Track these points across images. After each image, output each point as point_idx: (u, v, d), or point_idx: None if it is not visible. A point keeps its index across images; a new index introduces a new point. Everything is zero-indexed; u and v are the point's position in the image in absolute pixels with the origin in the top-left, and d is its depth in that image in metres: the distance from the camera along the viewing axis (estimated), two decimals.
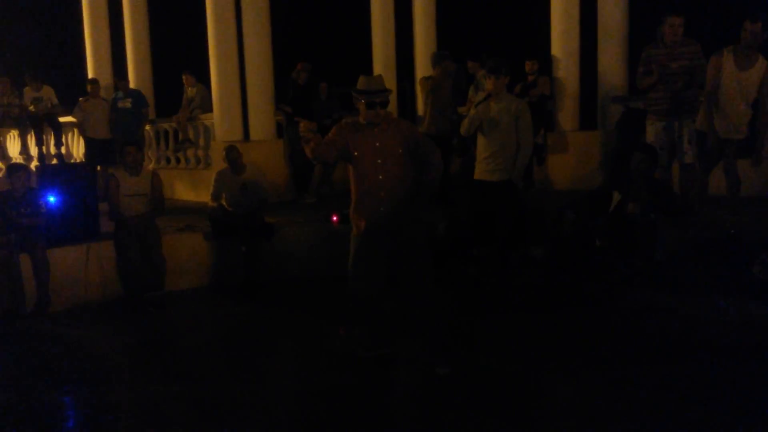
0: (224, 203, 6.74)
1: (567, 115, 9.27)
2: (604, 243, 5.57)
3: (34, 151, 10.90)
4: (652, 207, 5.48)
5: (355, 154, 4.26)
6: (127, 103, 9.56)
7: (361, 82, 4.28)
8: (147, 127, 10.34)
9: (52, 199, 6.11)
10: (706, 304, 5.11)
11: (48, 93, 10.44)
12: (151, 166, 9.97)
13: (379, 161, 4.23)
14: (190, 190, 9.78)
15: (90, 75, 11.23)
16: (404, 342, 4.63)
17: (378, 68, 10.98)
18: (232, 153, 6.79)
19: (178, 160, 10.40)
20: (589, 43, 9.12)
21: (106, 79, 11.12)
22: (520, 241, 5.89)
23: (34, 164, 10.29)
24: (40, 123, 10.47)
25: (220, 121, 9.03)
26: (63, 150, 10.92)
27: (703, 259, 5.47)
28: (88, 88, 9.89)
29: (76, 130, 11.14)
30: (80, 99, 9.87)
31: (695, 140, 5.94)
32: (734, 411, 3.59)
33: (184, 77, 10.33)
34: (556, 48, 9.23)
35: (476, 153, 5.69)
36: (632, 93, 8.89)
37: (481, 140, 5.58)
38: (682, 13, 5.92)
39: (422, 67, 10.19)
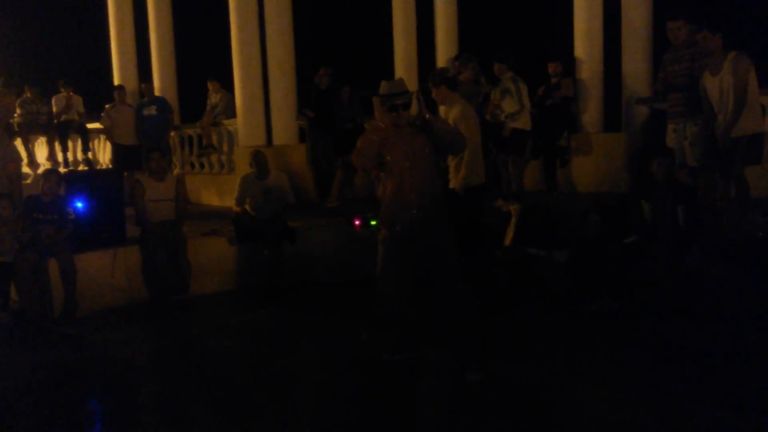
0: (248, 208, 6.79)
1: (591, 116, 9.18)
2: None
3: (60, 157, 11.08)
4: (677, 216, 5.41)
5: (388, 158, 4.24)
6: (153, 110, 9.67)
7: (383, 86, 4.28)
8: (172, 133, 10.45)
9: (79, 204, 6.20)
10: (733, 308, 5.03)
11: (77, 102, 10.61)
12: (176, 172, 10.09)
13: (409, 164, 4.22)
14: (214, 195, 9.87)
15: (116, 81, 11.39)
16: (431, 346, 4.59)
17: (400, 72, 10.97)
18: (259, 157, 6.84)
19: (202, 166, 10.50)
20: (613, 45, 9.03)
21: (132, 85, 11.27)
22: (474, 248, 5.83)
23: (61, 170, 10.46)
24: (66, 130, 10.64)
25: (244, 126, 9.11)
26: (90, 156, 11.08)
27: (734, 262, 5.38)
28: (115, 94, 10.03)
29: (102, 137, 11.30)
30: (107, 106, 10.02)
31: (698, 142, 5.89)
32: None
33: (209, 84, 10.43)
34: (580, 49, 9.15)
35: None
36: (657, 94, 8.79)
37: None
38: (679, 17, 6.04)
39: None
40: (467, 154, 5.34)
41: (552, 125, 8.73)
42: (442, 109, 5.76)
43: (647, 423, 3.58)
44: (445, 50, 10.54)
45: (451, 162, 5.66)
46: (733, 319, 4.94)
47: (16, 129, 10.14)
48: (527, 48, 10.43)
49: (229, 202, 7.32)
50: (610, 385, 4.06)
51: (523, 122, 7.85)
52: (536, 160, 9.13)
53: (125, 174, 8.36)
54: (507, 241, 6.29)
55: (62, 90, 10.44)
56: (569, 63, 9.09)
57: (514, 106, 7.78)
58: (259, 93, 9.08)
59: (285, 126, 9.11)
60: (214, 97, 10.39)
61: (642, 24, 8.77)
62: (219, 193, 9.68)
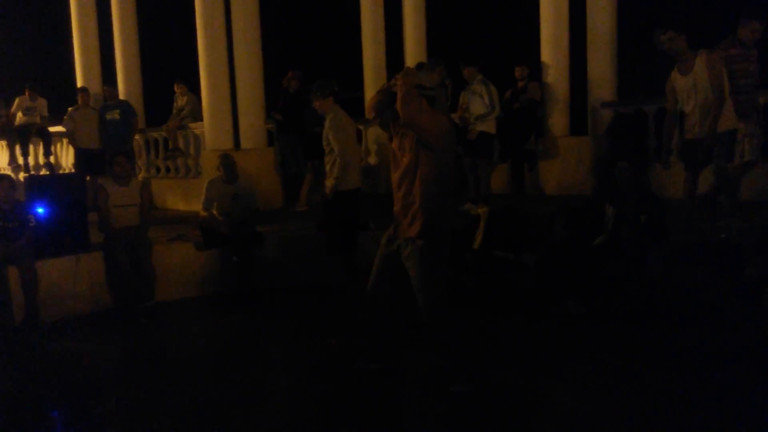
0: (215, 212, 6.71)
1: (557, 120, 9.29)
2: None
3: (21, 161, 10.84)
4: (640, 221, 5.50)
5: (438, 146, 3.88)
6: (116, 115, 9.51)
7: (423, 78, 4.05)
8: (136, 137, 10.29)
9: (40, 210, 6.07)
10: (699, 309, 5.13)
11: (41, 105, 10.39)
12: (141, 176, 9.94)
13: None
14: (181, 199, 9.74)
15: (79, 84, 11.18)
16: (410, 354, 4.53)
17: (369, 75, 10.99)
18: (227, 160, 6.77)
19: (168, 170, 10.37)
20: (579, 49, 9.16)
21: (96, 88, 11.07)
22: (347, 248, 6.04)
23: (21, 175, 10.23)
24: (27, 134, 10.41)
25: (211, 129, 9.01)
26: (52, 160, 10.86)
27: (697, 265, 5.48)
28: (78, 97, 9.85)
29: (65, 140, 11.08)
30: (70, 109, 9.83)
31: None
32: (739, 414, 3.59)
33: (175, 86, 10.30)
34: (546, 53, 9.26)
35: None
36: (621, 98, 8.94)
37: None
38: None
39: None
40: (341, 159, 5.65)
41: (519, 129, 8.82)
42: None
43: (616, 423, 3.62)
44: (413, 54, 10.59)
45: (327, 166, 5.89)
46: (695, 320, 5.04)
47: None
48: (494, 52, 10.52)
49: (196, 206, 7.23)
50: (579, 387, 4.10)
51: (489, 125, 7.92)
52: (504, 163, 9.22)
53: (88, 178, 8.21)
54: (475, 245, 6.32)
55: (27, 92, 10.22)
56: (536, 67, 9.20)
57: (482, 109, 7.85)
58: (227, 96, 8.99)
59: (253, 129, 9.03)
60: (180, 100, 10.27)
61: (606, 29, 8.91)
62: (185, 198, 9.56)
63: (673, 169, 8.16)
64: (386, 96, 4.02)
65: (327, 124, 5.81)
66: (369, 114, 4.14)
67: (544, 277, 5.75)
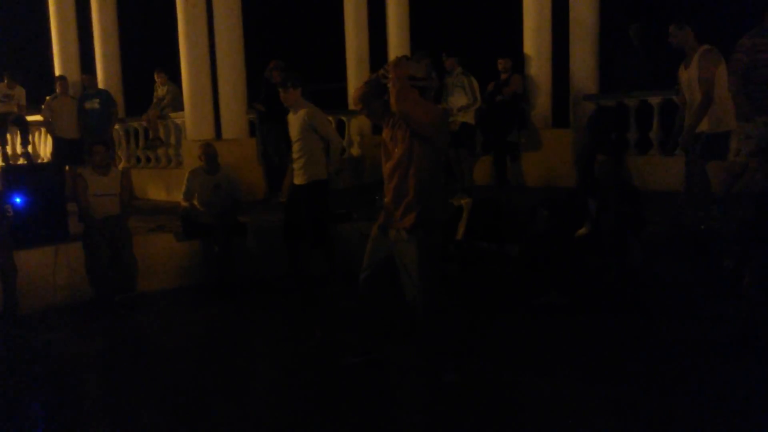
0: (196, 203, 6.65)
1: (540, 113, 9.33)
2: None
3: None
4: (621, 212, 5.54)
5: (434, 137, 3.86)
6: (95, 104, 9.37)
7: (415, 68, 4.00)
8: (116, 126, 10.16)
9: (18, 200, 5.97)
10: (678, 299, 5.19)
11: (19, 94, 10.20)
12: (121, 166, 9.83)
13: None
14: (161, 189, 9.64)
15: (57, 72, 11.00)
16: (396, 345, 4.50)
17: (351, 66, 10.95)
18: (209, 150, 6.71)
19: (148, 160, 10.26)
20: (562, 42, 9.19)
21: (74, 76, 10.89)
22: (326, 239, 6.19)
23: None
24: (4, 123, 10.23)
25: (192, 119, 8.91)
26: (30, 149, 10.68)
27: (677, 256, 5.54)
28: (57, 85, 9.69)
29: (43, 130, 10.92)
30: (48, 97, 9.67)
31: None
32: (722, 406, 3.64)
33: (156, 75, 10.17)
34: (529, 46, 9.28)
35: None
36: (603, 91, 8.99)
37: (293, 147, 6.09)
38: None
39: None
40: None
41: (502, 121, 8.85)
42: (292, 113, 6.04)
43: (598, 410, 3.66)
44: (396, 44, 10.56)
45: (293, 160, 6.07)
46: (674, 310, 5.10)
47: None
48: (477, 44, 10.53)
49: (177, 196, 7.17)
50: (563, 376, 4.12)
51: (470, 116, 7.96)
52: (487, 155, 9.25)
53: (67, 168, 8.09)
54: (458, 236, 6.34)
55: (5, 80, 10.03)
56: (518, 60, 9.22)
57: (464, 100, 7.86)
58: (208, 85, 8.89)
59: (235, 119, 8.95)
60: (160, 90, 10.15)
61: (589, 22, 8.95)
62: (166, 188, 9.47)
63: (652, 160, 8.26)
64: (373, 86, 3.98)
65: (304, 115, 5.87)
66: (355, 105, 4.09)
67: (527, 268, 5.79)
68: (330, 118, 10.43)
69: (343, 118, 10.72)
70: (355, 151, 10.82)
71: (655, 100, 8.08)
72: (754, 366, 4.07)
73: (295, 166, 6.08)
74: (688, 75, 5.63)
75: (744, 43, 5.93)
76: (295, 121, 6.00)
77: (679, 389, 3.87)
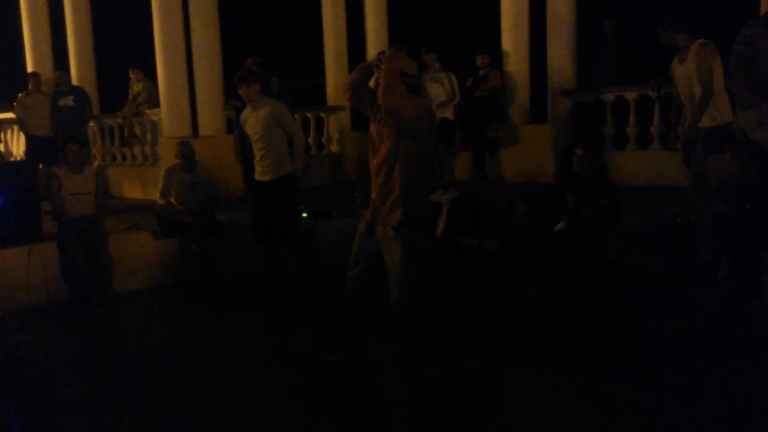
0: (173, 201, 6.58)
1: (518, 108, 9.37)
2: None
3: None
4: (599, 207, 5.57)
5: (420, 134, 3.83)
6: (69, 101, 9.21)
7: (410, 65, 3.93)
8: (91, 124, 10.02)
9: None
10: (654, 292, 5.24)
11: None
12: (96, 164, 9.69)
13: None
14: (138, 187, 9.53)
15: (29, 68, 10.81)
16: (378, 342, 4.47)
17: (330, 62, 10.91)
18: (185, 147, 6.63)
19: (124, 157, 10.14)
20: (539, 38, 9.23)
21: (47, 73, 10.71)
22: (297, 233, 6.20)
23: None
24: None
25: (168, 116, 8.81)
26: (2, 148, 10.51)
27: (654, 249, 5.59)
28: (29, 82, 9.52)
29: (15, 127, 10.73)
30: (20, 94, 9.50)
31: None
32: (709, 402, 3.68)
33: (131, 72, 10.03)
34: (507, 42, 9.30)
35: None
36: (581, 87, 9.05)
37: (253, 145, 6.00)
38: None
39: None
40: (276, 147, 5.84)
41: (480, 117, 8.88)
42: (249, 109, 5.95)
43: (578, 402, 3.68)
44: (375, 40, 10.54)
45: (256, 157, 5.97)
46: (650, 303, 5.15)
47: None
48: (456, 40, 10.55)
49: (154, 194, 7.08)
50: (544, 370, 4.14)
51: (449, 112, 7.97)
52: (466, 151, 9.27)
53: (41, 166, 7.96)
54: (438, 232, 6.34)
55: None
56: (497, 55, 9.24)
57: (443, 96, 7.86)
58: (184, 82, 8.79)
59: (212, 116, 8.86)
60: (136, 86, 10.01)
61: (567, 18, 9.00)
62: (142, 186, 9.36)
63: (633, 155, 8.31)
64: (366, 74, 3.94)
65: (269, 110, 5.81)
66: (345, 92, 4.02)
67: (507, 263, 5.81)
68: (308, 115, 10.40)
69: (322, 115, 10.67)
70: (334, 147, 10.78)
71: (631, 95, 8.15)
72: (731, 357, 4.12)
73: (260, 163, 5.95)
74: (685, 69, 5.58)
75: (744, 34, 5.90)
76: (256, 118, 5.86)
77: (656, 381, 3.90)
